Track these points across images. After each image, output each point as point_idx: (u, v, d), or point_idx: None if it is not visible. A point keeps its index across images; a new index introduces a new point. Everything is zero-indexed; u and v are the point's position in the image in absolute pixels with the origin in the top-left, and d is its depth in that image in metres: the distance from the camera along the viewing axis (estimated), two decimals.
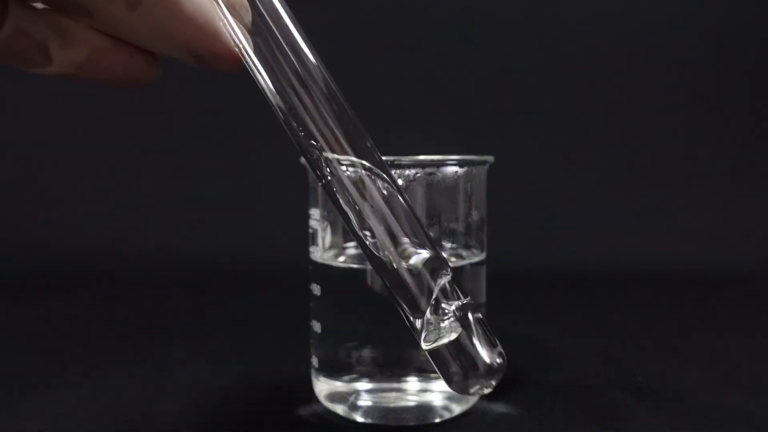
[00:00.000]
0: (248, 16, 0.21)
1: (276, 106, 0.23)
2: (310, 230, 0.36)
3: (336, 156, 0.24)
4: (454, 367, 0.24)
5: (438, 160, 0.33)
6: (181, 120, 0.84)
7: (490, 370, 0.25)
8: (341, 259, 0.35)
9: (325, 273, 0.35)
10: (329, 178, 0.24)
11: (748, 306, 0.61)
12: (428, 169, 0.33)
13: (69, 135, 0.85)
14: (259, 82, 0.23)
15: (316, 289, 0.35)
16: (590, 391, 0.38)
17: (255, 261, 0.75)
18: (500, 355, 0.25)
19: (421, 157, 0.32)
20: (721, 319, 0.56)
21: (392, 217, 0.24)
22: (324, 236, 0.35)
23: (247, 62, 0.22)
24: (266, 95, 0.23)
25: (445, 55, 0.84)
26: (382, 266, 0.24)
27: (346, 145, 0.24)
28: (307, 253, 0.36)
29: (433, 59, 0.84)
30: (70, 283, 0.70)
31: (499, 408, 0.35)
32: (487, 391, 0.25)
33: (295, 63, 0.23)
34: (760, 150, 0.83)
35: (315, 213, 0.35)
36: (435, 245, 0.25)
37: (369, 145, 0.24)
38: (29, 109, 0.85)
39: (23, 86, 0.84)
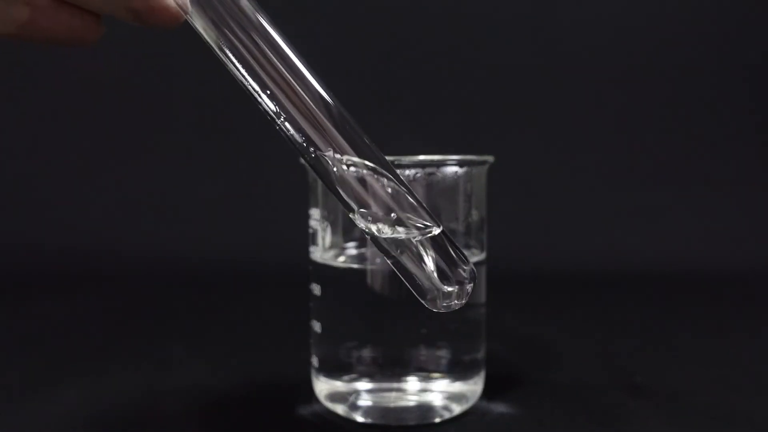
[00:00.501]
0: None
1: (222, 58, 0.22)
2: (310, 230, 0.36)
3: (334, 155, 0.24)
4: (427, 283, 0.24)
5: (438, 160, 0.33)
6: (181, 119, 0.84)
7: (461, 286, 0.24)
8: (341, 259, 0.35)
9: (325, 273, 0.35)
10: (282, 116, 0.23)
11: (748, 306, 0.61)
12: (428, 169, 0.33)
13: (69, 135, 0.85)
14: (201, 35, 0.22)
15: (316, 289, 0.35)
16: (590, 391, 0.38)
17: (255, 261, 0.75)
18: (471, 272, 0.24)
19: (421, 157, 0.32)
20: (721, 319, 0.56)
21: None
22: (324, 236, 0.35)
23: (188, 16, 0.22)
24: (212, 49, 0.22)
25: (444, 53, 0.84)
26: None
27: (294, 83, 0.23)
28: (307, 253, 0.36)
29: (432, 58, 0.84)
30: (70, 283, 0.70)
31: (499, 408, 0.35)
32: (457, 305, 0.24)
33: (237, 12, 0.22)
34: (760, 150, 0.83)
35: (315, 213, 0.35)
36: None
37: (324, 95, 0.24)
38: (29, 108, 0.85)
39: (23, 86, 0.84)
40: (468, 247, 0.35)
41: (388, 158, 0.31)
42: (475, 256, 0.35)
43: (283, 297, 0.63)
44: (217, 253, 0.77)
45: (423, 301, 0.24)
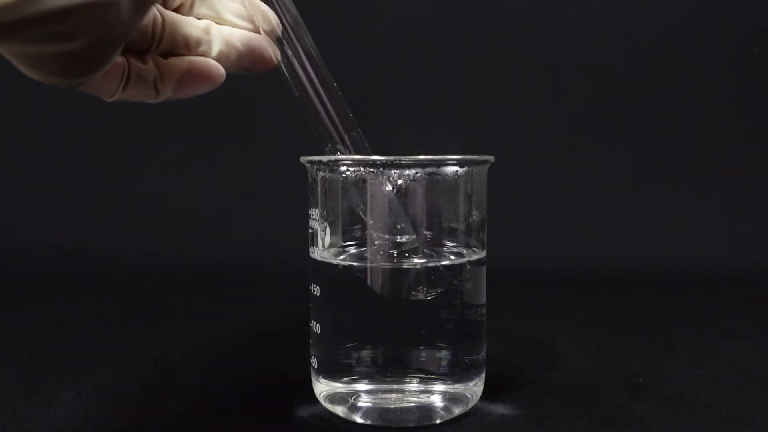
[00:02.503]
0: (279, 29, 0.29)
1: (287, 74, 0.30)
2: (310, 230, 0.36)
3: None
4: None
5: (438, 160, 0.32)
6: (181, 119, 0.84)
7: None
8: (341, 257, 0.35)
9: (325, 272, 0.34)
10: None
11: (748, 306, 0.61)
12: (428, 169, 0.33)
13: (69, 134, 0.85)
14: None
15: (315, 289, 0.35)
16: (591, 391, 0.38)
17: (255, 261, 0.75)
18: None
19: (422, 157, 0.32)
20: (721, 319, 0.56)
21: None
22: (324, 236, 0.35)
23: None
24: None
25: (445, 53, 0.84)
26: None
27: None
28: (307, 253, 0.36)
29: (433, 58, 0.84)
30: (70, 283, 0.70)
31: (500, 409, 0.35)
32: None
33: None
34: (760, 150, 0.83)
35: (314, 213, 0.35)
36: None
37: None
38: (29, 108, 0.85)
39: (23, 86, 0.84)
40: (469, 246, 0.35)
41: (389, 158, 0.31)
42: (476, 255, 0.35)
43: (283, 297, 0.63)
44: (217, 253, 0.77)
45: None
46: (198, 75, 0.27)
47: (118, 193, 0.83)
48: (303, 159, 0.34)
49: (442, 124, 0.82)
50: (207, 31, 0.27)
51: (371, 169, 0.32)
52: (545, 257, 0.76)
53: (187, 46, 0.27)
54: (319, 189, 0.34)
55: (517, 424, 0.34)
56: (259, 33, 0.28)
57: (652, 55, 0.83)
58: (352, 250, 0.35)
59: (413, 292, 0.32)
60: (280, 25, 0.29)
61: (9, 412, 0.35)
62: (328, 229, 0.34)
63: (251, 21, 0.28)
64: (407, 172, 0.32)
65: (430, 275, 0.33)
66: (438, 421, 0.33)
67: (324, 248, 0.35)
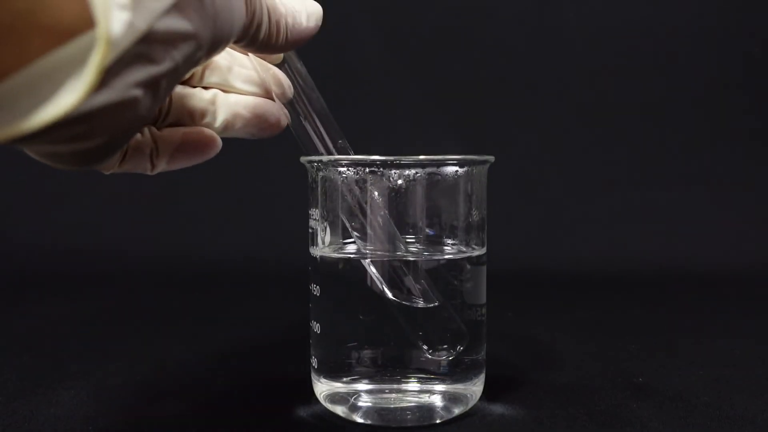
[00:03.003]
0: (291, 92, 0.29)
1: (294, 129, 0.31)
2: (310, 230, 0.36)
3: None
4: None
5: (438, 160, 0.32)
6: None
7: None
8: (341, 251, 0.35)
9: (325, 270, 0.34)
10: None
11: (748, 306, 0.61)
12: (429, 169, 0.32)
13: None
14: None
15: (315, 289, 0.35)
16: (590, 392, 0.38)
17: (255, 261, 0.75)
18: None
19: (422, 157, 0.32)
20: (721, 319, 0.56)
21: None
22: (324, 236, 0.35)
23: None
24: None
25: (446, 54, 0.84)
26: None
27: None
28: (307, 252, 0.36)
29: (434, 58, 0.84)
30: (70, 283, 0.70)
31: (500, 409, 0.35)
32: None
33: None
34: (759, 150, 0.83)
35: (314, 213, 0.35)
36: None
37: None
38: None
39: None
40: (469, 246, 0.35)
41: (389, 157, 0.31)
42: (477, 253, 0.35)
43: (283, 297, 0.63)
44: (217, 253, 0.77)
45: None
46: (191, 147, 0.27)
47: (119, 193, 0.83)
48: (303, 159, 0.34)
49: (441, 125, 0.82)
50: (213, 102, 0.27)
51: (371, 169, 0.32)
52: (545, 257, 0.76)
53: (192, 117, 0.27)
54: (319, 189, 0.34)
55: (517, 424, 0.34)
56: (271, 97, 0.28)
57: (652, 56, 0.83)
58: (352, 247, 0.35)
59: (437, 352, 0.32)
60: (292, 88, 0.29)
61: (9, 412, 0.35)
62: (328, 228, 0.34)
63: (263, 86, 0.28)
64: (407, 172, 0.32)
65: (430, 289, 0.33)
66: (438, 421, 0.33)
67: (324, 247, 0.35)
